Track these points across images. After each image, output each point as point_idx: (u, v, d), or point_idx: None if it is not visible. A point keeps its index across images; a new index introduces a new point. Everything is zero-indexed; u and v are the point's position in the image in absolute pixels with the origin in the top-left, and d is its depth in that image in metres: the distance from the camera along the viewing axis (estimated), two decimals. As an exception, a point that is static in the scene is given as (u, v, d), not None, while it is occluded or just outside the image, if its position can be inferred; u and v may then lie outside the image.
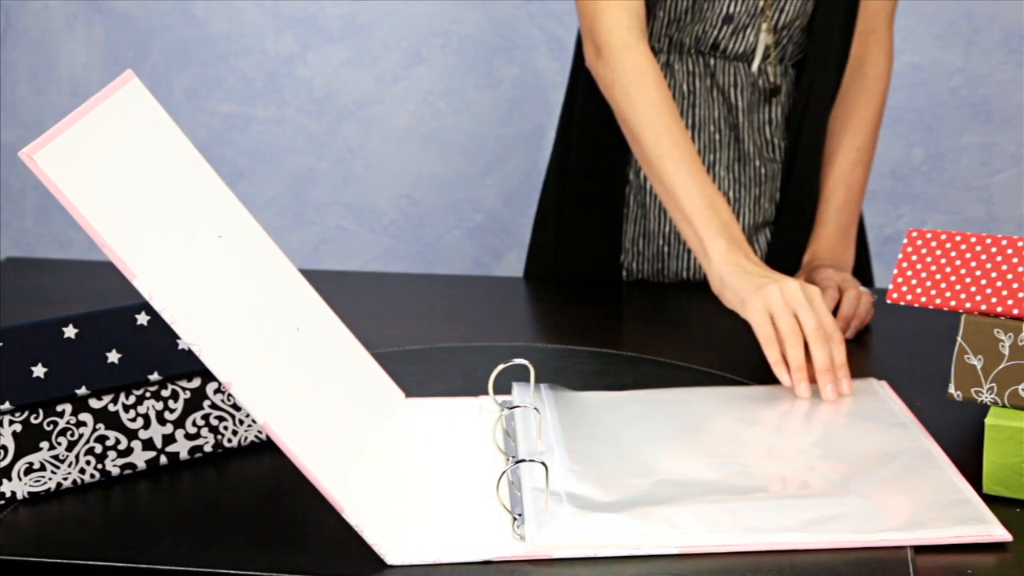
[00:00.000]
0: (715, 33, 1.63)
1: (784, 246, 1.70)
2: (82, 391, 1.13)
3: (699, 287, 1.71)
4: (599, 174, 1.70)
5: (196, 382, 1.19)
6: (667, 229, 1.71)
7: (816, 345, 1.29)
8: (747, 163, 1.68)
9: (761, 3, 1.61)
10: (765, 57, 1.65)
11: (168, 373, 1.16)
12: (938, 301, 1.19)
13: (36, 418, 1.12)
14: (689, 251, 1.71)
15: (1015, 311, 1.14)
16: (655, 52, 1.66)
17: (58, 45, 2.78)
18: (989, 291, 1.16)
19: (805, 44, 1.66)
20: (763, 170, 1.69)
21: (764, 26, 1.63)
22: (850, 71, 1.68)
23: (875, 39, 1.69)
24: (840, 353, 1.30)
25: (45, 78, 2.80)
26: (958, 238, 1.20)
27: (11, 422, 1.11)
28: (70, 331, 1.13)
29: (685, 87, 1.67)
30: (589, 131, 1.70)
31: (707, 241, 1.40)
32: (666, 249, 1.72)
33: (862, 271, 1.75)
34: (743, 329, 1.58)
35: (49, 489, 1.13)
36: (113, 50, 2.76)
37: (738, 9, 1.61)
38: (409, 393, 1.30)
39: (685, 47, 1.65)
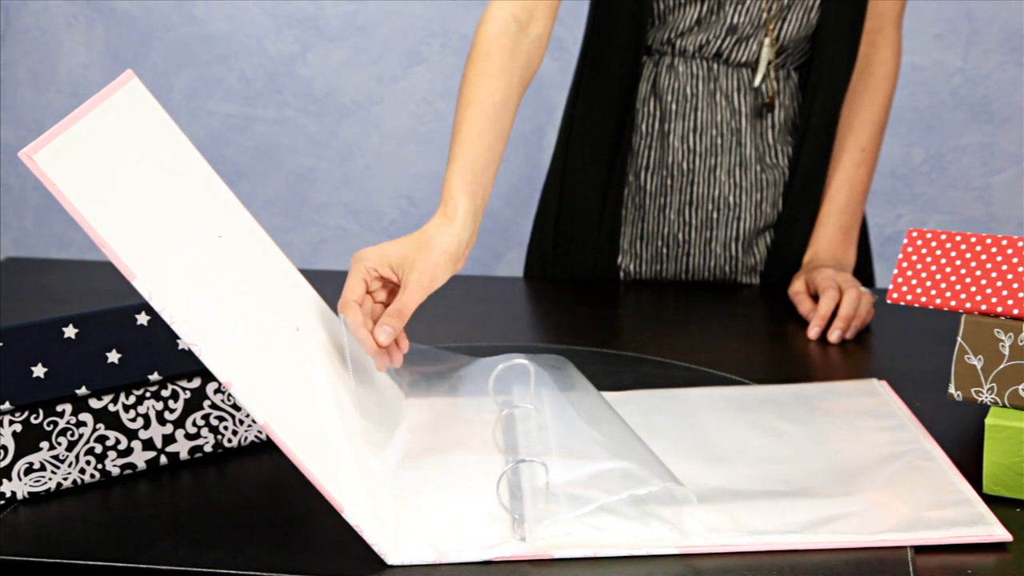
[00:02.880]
0: (719, 43, 1.63)
1: (786, 251, 1.70)
2: (82, 391, 1.13)
3: (699, 287, 1.71)
4: (600, 175, 1.70)
5: (196, 382, 1.19)
6: (665, 231, 1.71)
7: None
8: (748, 168, 1.68)
9: (765, 15, 1.61)
10: (766, 71, 1.65)
11: (168, 373, 1.16)
12: (938, 301, 1.19)
13: (36, 418, 1.12)
14: (688, 253, 1.71)
15: (1015, 311, 1.14)
16: (659, 55, 1.66)
17: (58, 45, 2.78)
18: (989, 291, 1.16)
19: (808, 49, 1.66)
20: (764, 175, 1.69)
21: (767, 41, 1.63)
22: (857, 70, 1.68)
23: (883, 38, 1.68)
24: None
25: (45, 78, 2.80)
26: (958, 238, 1.20)
27: (11, 422, 1.11)
28: (70, 331, 1.13)
29: (688, 90, 1.66)
30: (590, 132, 1.70)
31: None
32: (664, 251, 1.72)
33: (863, 271, 1.75)
34: (743, 329, 1.59)
35: (49, 489, 1.13)
36: (113, 50, 2.76)
37: (743, 20, 1.61)
38: (409, 393, 1.29)
39: (689, 53, 1.65)
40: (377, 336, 1.17)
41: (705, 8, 1.61)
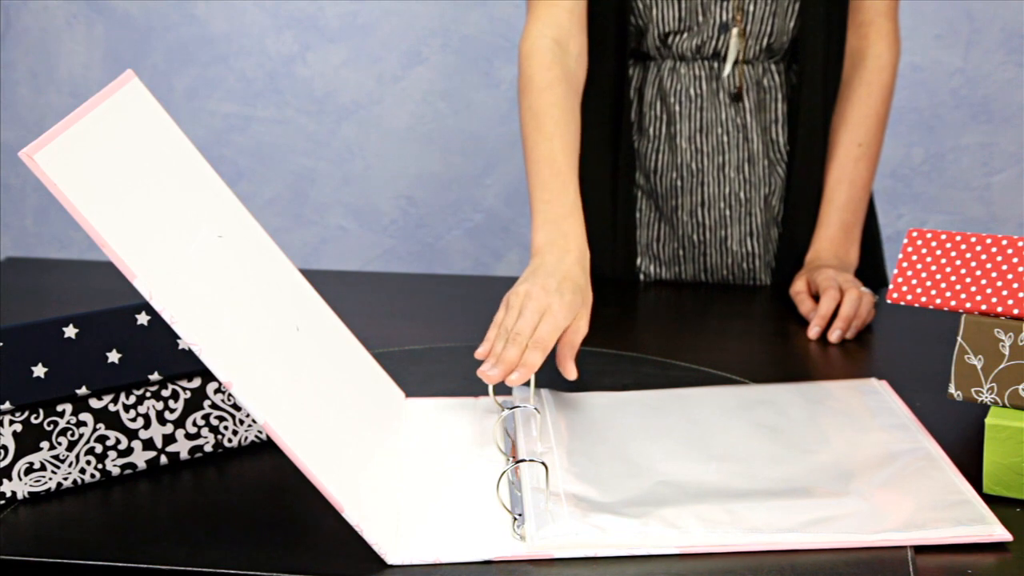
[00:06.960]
0: (714, 43, 1.63)
1: (792, 244, 1.70)
2: (82, 391, 1.13)
3: (700, 287, 1.71)
4: (603, 178, 1.69)
5: (196, 382, 1.19)
6: (680, 233, 1.71)
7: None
8: (756, 163, 1.68)
9: (752, 8, 1.61)
10: (735, 64, 1.65)
11: (168, 373, 1.16)
12: (938, 301, 1.19)
13: (36, 418, 1.12)
14: (704, 254, 1.71)
15: (1015, 311, 1.14)
16: (655, 60, 1.66)
17: (58, 45, 2.78)
18: (989, 291, 1.16)
19: (793, 34, 1.66)
20: (771, 169, 1.69)
21: (735, 31, 1.62)
22: (850, 64, 1.67)
23: (875, 30, 1.67)
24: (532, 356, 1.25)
25: (45, 78, 2.80)
26: (958, 238, 1.20)
27: (11, 422, 1.11)
28: (70, 331, 1.13)
29: (692, 91, 1.66)
30: (595, 135, 1.69)
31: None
32: (681, 252, 1.72)
33: (875, 270, 1.75)
34: (743, 329, 1.59)
35: (49, 489, 1.13)
36: (113, 50, 2.76)
37: (731, 17, 1.61)
38: (409, 393, 1.30)
39: (688, 57, 1.65)
40: (569, 374, 1.30)
41: (684, 7, 1.61)
